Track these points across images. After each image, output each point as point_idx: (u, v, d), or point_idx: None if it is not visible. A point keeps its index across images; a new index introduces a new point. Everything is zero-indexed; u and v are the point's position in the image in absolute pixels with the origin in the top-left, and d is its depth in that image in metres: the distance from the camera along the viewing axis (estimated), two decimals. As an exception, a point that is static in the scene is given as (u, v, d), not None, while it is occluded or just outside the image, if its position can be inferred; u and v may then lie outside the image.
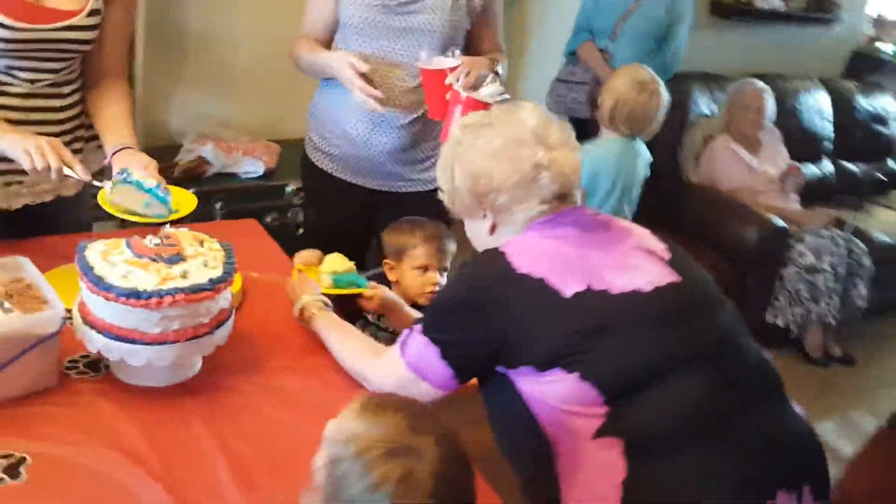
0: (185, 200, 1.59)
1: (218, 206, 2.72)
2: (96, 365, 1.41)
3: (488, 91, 1.81)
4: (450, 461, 0.97)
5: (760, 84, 3.62)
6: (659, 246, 1.34)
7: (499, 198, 1.30)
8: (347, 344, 1.48)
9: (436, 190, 2.06)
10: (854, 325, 3.56)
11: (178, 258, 1.32)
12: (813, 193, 4.05)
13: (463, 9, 1.95)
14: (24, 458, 1.19)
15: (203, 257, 1.35)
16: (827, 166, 4.40)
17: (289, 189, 2.94)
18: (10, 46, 1.52)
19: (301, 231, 2.92)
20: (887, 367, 3.60)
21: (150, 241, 1.34)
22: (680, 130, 3.69)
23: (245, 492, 1.20)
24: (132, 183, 1.51)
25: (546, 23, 3.84)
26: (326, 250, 2.15)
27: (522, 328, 1.21)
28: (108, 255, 1.31)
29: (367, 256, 2.26)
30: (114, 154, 1.61)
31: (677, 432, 1.15)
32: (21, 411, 1.29)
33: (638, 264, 1.27)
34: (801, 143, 4.10)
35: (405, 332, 1.35)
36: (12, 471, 1.17)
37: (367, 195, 2.10)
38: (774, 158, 3.68)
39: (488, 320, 1.24)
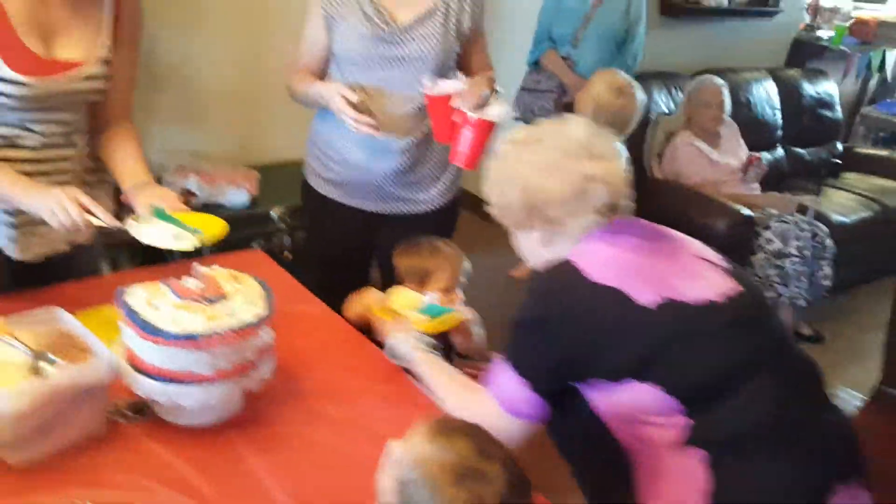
0: (212, 226, 1.61)
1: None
2: (140, 408, 1.42)
3: (496, 111, 1.86)
4: (515, 486, 1.01)
5: (718, 80, 3.76)
6: (712, 255, 1.39)
7: (551, 211, 1.32)
8: (450, 387, 1.44)
9: (435, 210, 2.13)
10: (820, 304, 3.72)
11: (220, 298, 1.35)
12: (769, 181, 4.22)
13: (453, 33, 1.99)
14: (90, 507, 1.21)
15: (242, 294, 1.38)
16: (779, 153, 4.59)
17: (273, 215, 2.95)
18: (24, 102, 1.52)
19: (287, 255, 2.93)
20: (855, 341, 3.76)
21: (191, 282, 1.37)
22: (642, 128, 3.79)
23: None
24: (163, 217, 1.54)
25: (504, 34, 3.91)
26: (329, 274, 2.18)
27: (599, 338, 1.23)
28: (152, 301, 1.33)
29: (369, 277, 2.29)
30: (132, 192, 1.63)
31: (755, 437, 1.19)
32: (75, 461, 1.30)
33: (702, 273, 1.31)
34: (755, 133, 4.27)
35: (493, 366, 1.34)
36: (84, 520, 1.19)
37: (368, 218, 2.14)
38: (734, 150, 3.83)
39: (566, 333, 1.25)
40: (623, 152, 1.38)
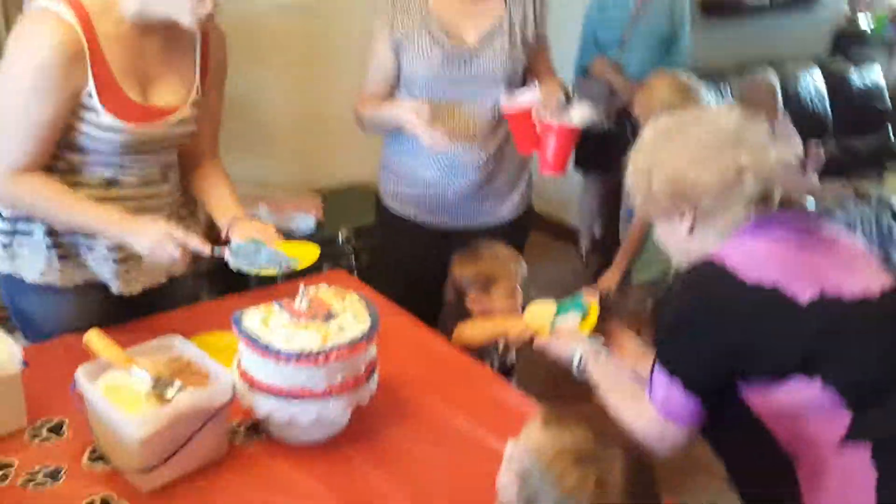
0: (306, 252, 1.65)
1: (282, 264, 2.78)
2: (255, 428, 1.46)
3: (577, 115, 1.89)
4: (638, 467, 1.03)
5: (769, 77, 3.74)
6: (861, 246, 1.37)
7: (702, 202, 1.29)
8: (617, 393, 1.42)
9: (509, 222, 2.14)
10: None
11: (330, 315, 1.38)
12: (823, 171, 4.18)
13: (519, 46, 2.02)
14: (226, 529, 1.24)
15: (349, 311, 1.41)
16: (831, 143, 4.53)
17: (340, 237, 3.00)
18: (125, 147, 1.59)
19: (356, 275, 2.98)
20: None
21: (300, 303, 1.40)
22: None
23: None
24: (259, 245, 1.59)
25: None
26: (407, 294, 2.11)
27: (760, 339, 1.21)
28: (267, 322, 1.36)
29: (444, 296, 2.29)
30: (229, 226, 1.68)
31: None
32: (203, 481, 1.33)
33: (858, 265, 1.29)
34: (805, 124, 4.23)
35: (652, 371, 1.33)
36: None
37: (444, 235, 2.16)
38: (790, 143, 3.79)
39: (720, 332, 1.23)
40: (770, 140, 1.34)
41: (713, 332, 1.24)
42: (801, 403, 1.21)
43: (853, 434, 1.19)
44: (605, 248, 4.03)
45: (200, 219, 1.86)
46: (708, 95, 3.98)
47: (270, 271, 1.59)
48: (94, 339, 1.39)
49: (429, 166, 2.06)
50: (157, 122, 1.61)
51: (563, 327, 1.64)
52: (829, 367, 1.19)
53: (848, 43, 5.10)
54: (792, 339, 1.21)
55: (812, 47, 4.91)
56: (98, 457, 1.37)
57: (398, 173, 2.14)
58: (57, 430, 1.43)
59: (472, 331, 1.85)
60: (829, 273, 1.24)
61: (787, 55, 4.58)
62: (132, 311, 1.75)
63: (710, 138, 1.30)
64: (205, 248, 1.57)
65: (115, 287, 1.70)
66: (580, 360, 1.52)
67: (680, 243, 1.37)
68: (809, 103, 4.41)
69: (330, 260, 2.98)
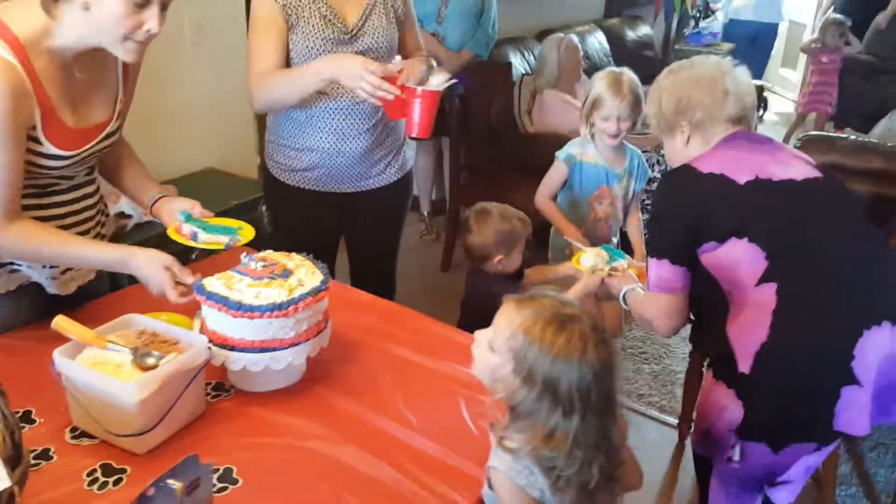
0: (245, 228, 1.79)
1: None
2: (222, 386, 1.59)
3: (437, 80, 2.05)
4: (592, 316, 1.23)
5: (574, 39, 4.18)
6: (805, 156, 1.76)
7: (695, 115, 1.74)
8: (640, 305, 1.90)
9: (395, 181, 2.34)
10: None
11: (287, 272, 1.54)
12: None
13: (394, 22, 2.21)
14: (231, 468, 1.37)
15: (303, 267, 1.57)
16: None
17: (205, 222, 3.04)
18: (64, 169, 1.63)
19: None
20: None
21: (255, 265, 1.54)
22: (508, 90, 4.17)
23: (421, 431, 1.48)
24: (194, 222, 1.71)
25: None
26: None
27: (711, 210, 1.62)
28: (231, 285, 1.49)
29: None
30: (153, 204, 1.76)
31: (818, 271, 1.58)
32: (191, 439, 1.44)
33: (793, 163, 1.70)
34: (597, 80, 4.77)
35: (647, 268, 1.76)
36: (228, 478, 1.35)
37: (340, 200, 2.30)
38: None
39: (686, 211, 1.66)
40: (751, 81, 1.80)
41: (680, 212, 1.68)
42: (735, 258, 1.60)
43: (766, 276, 1.57)
44: (443, 208, 4.36)
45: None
46: (514, 56, 4.41)
47: (218, 245, 1.72)
48: (64, 323, 1.45)
49: (323, 135, 2.19)
50: (92, 140, 1.65)
51: (618, 269, 2.07)
52: (755, 229, 1.59)
53: (620, 5, 5.75)
54: (731, 210, 1.61)
55: (592, 12, 5.49)
56: (80, 433, 1.44)
57: (289, 145, 2.24)
58: (27, 419, 1.47)
59: (547, 273, 2.17)
60: (766, 166, 1.67)
61: (574, 21, 5.10)
62: (65, 306, 1.77)
63: (703, 72, 1.78)
64: (191, 279, 1.61)
65: (51, 288, 1.73)
66: (624, 294, 1.98)
67: (679, 154, 1.80)
68: (598, 60, 4.94)
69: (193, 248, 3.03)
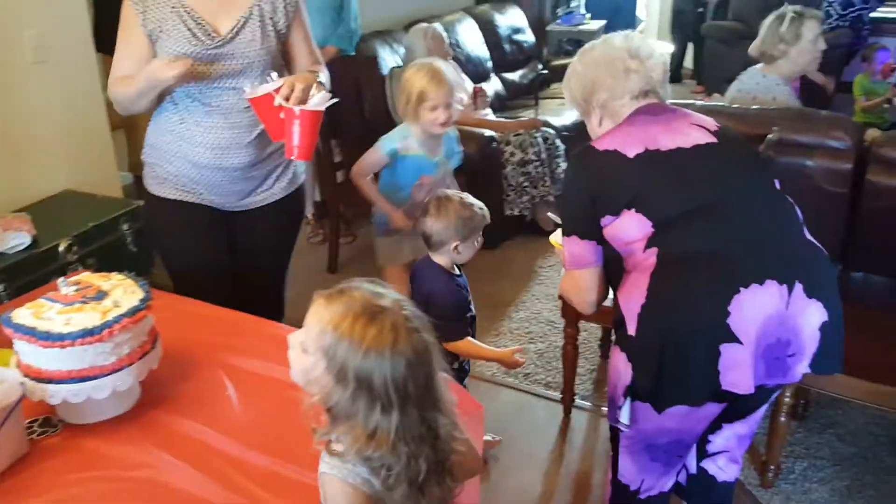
0: None
1: (1, 287, 2.65)
2: (49, 422, 1.51)
3: (316, 100, 1.94)
4: (406, 306, 1.20)
5: (438, 28, 4.15)
6: (711, 122, 1.76)
7: (601, 95, 1.78)
8: (561, 286, 1.92)
9: (283, 198, 2.24)
10: (566, 195, 4.35)
11: (101, 294, 1.47)
12: (495, 106, 4.78)
13: (272, 35, 2.07)
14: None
15: (120, 287, 1.51)
16: (496, 81, 5.16)
17: (61, 248, 2.91)
18: None
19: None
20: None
21: (68, 289, 1.47)
22: (377, 84, 4.13)
23: (257, 445, 1.44)
24: None
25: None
26: (188, 281, 2.18)
27: (607, 185, 1.68)
28: (40, 315, 1.42)
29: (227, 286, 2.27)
30: None
31: (699, 233, 1.61)
32: (12, 482, 1.37)
33: (687, 132, 1.70)
34: (471, 68, 4.78)
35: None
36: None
37: (224, 216, 2.20)
38: (462, 86, 4.27)
39: (586, 188, 1.70)
40: (661, 54, 1.83)
41: (580, 189, 1.73)
42: (627, 228, 1.65)
43: (650, 243, 1.62)
44: (327, 210, 4.29)
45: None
46: (383, 50, 4.38)
47: None
48: None
49: (201, 149, 2.09)
50: None
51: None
52: (644, 200, 1.63)
53: (491, -9, 5.77)
54: (623, 184, 1.66)
55: (461, 0, 5.49)
56: None
57: (169, 159, 2.13)
58: None
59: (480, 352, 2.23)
60: (656, 137, 1.69)
61: (443, 10, 5.10)
62: None
63: (606, 52, 1.81)
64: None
65: None
66: None
67: (595, 133, 1.84)
68: (470, 48, 4.95)
69: (57, 273, 2.89)
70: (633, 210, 1.63)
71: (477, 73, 4.84)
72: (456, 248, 2.21)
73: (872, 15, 6.05)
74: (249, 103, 2.01)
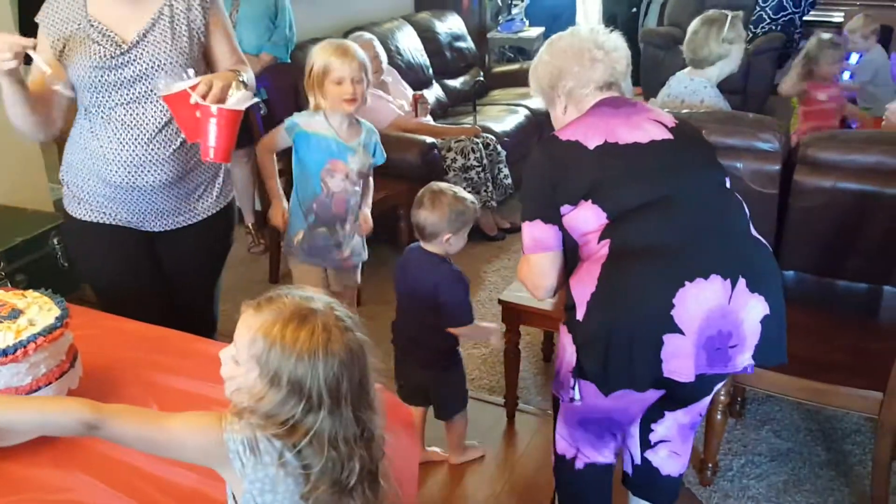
0: None
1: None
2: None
3: (234, 99, 1.83)
4: (336, 307, 1.19)
5: (367, 35, 4.15)
6: (669, 119, 1.81)
7: (567, 83, 1.82)
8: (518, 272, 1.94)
9: (213, 214, 2.15)
10: (508, 200, 4.37)
11: (16, 313, 1.42)
12: (436, 113, 4.78)
13: (185, 34, 1.97)
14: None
15: (36, 305, 1.45)
16: (437, 88, 5.16)
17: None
18: None
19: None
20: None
21: (-20, 310, 1.41)
22: (318, 93, 4.09)
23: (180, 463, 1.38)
24: None
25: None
26: (114, 305, 2.04)
27: (567, 173, 1.72)
28: (-50, 336, 1.36)
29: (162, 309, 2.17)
30: None
31: (650, 227, 1.67)
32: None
33: (645, 127, 1.75)
34: (412, 76, 4.78)
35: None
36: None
37: (144, 238, 2.08)
38: (402, 93, 4.28)
39: (548, 176, 1.74)
40: (624, 48, 1.87)
41: (544, 176, 1.76)
42: (584, 219, 1.71)
43: (604, 234, 1.68)
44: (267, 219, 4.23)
45: None
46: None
47: None
48: None
49: (115, 167, 1.98)
50: None
51: None
52: (600, 191, 1.69)
53: (428, -1, 5.77)
54: (582, 174, 1.71)
55: (401, 8, 5.49)
56: None
57: (85, 177, 2.03)
58: None
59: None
60: (616, 130, 1.74)
61: (381, 17, 5.08)
62: None
63: (574, 41, 1.86)
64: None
65: None
66: None
67: (559, 121, 1.88)
68: (409, 56, 4.94)
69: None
70: (590, 201, 1.69)
71: (418, 80, 4.83)
72: (448, 239, 2.26)
73: (804, 18, 6.23)
74: (163, 101, 1.89)
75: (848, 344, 2.31)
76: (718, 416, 2.34)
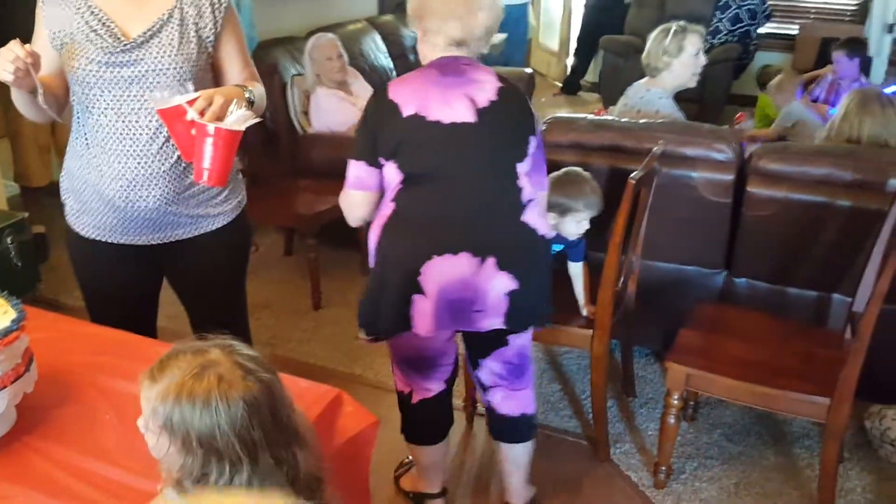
0: None
1: None
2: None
3: (233, 118, 1.68)
4: (235, 351, 1.20)
5: (330, 35, 4.13)
6: (483, 99, 1.89)
7: (425, 23, 1.92)
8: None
9: (223, 229, 2.02)
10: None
11: (-29, 316, 1.40)
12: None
13: (193, 41, 1.85)
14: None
15: (-9, 307, 1.44)
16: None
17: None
18: None
19: None
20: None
21: (-67, 313, 1.39)
22: (282, 93, 4.08)
23: (140, 471, 1.39)
24: None
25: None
26: (115, 317, 1.96)
27: (383, 130, 1.87)
28: None
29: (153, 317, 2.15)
30: None
31: (425, 200, 1.90)
32: None
33: (455, 106, 1.86)
34: (376, 77, 4.78)
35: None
36: None
37: (149, 252, 1.97)
38: (366, 95, 4.26)
39: (372, 126, 1.89)
40: (497, 12, 1.95)
41: (369, 125, 1.90)
42: (390, 175, 1.91)
43: (394, 196, 1.91)
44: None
45: None
46: (283, 57, 4.33)
47: None
48: None
49: (109, 181, 1.86)
50: None
51: None
52: (401, 158, 1.87)
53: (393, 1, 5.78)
54: (393, 136, 1.87)
55: (366, 9, 5.49)
56: None
57: (80, 189, 1.92)
58: None
59: None
60: (429, 103, 1.86)
61: (345, 19, 5.08)
62: None
63: None
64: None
65: None
66: None
67: (422, 56, 2.00)
68: (374, 58, 4.95)
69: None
70: (392, 161, 1.87)
71: (381, 82, 4.80)
72: None
73: (760, 30, 6.37)
74: (158, 113, 1.76)
75: (797, 350, 2.38)
76: (671, 420, 2.39)
